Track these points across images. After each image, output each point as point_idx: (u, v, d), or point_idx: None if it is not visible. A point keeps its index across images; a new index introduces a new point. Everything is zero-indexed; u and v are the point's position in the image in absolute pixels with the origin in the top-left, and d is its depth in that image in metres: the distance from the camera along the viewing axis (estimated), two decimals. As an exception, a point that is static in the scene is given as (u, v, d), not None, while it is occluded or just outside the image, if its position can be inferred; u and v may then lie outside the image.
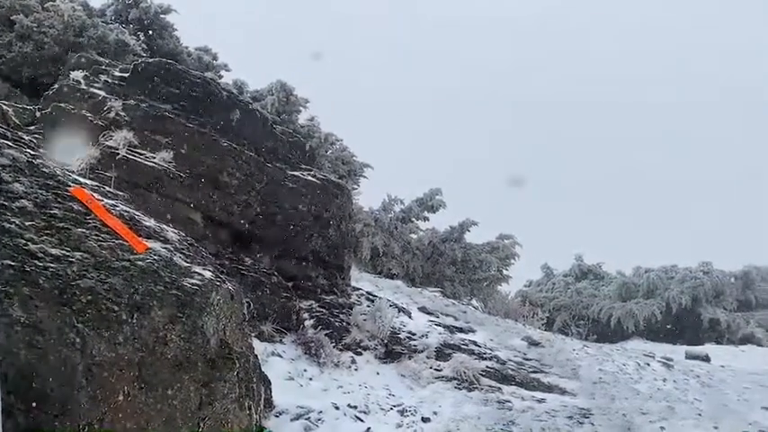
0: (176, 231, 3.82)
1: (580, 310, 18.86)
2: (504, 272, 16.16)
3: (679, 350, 12.16)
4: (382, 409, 5.49)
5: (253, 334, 5.14)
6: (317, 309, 7.12)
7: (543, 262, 23.82)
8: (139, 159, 5.92)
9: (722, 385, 7.82)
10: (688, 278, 17.72)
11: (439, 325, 8.12)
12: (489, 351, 7.51)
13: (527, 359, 7.61)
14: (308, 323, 6.70)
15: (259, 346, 5.43)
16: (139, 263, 2.96)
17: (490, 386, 6.49)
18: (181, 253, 3.42)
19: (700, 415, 6.35)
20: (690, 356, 10.52)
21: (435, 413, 5.62)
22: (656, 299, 17.72)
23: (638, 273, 19.57)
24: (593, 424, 5.88)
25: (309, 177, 7.68)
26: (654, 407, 6.56)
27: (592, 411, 6.20)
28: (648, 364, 8.36)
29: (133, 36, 12.49)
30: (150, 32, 13.70)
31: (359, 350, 6.73)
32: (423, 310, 8.88)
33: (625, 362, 8.28)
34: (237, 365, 3.38)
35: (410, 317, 8.18)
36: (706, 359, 10.46)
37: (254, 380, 3.81)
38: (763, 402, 6.95)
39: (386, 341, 6.96)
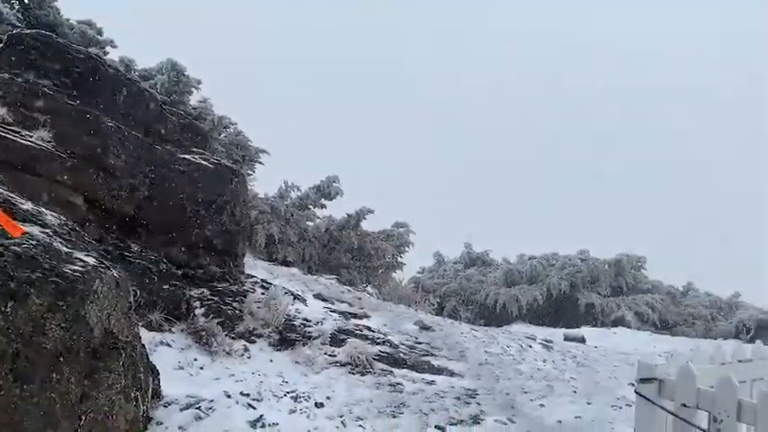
0: (56, 215, 3.60)
1: (469, 296, 19.63)
2: (399, 259, 16.52)
3: (558, 333, 13.01)
4: (276, 395, 5.47)
5: (140, 323, 4.95)
6: (209, 297, 6.95)
7: (436, 249, 24.63)
8: (14, 138, 5.48)
9: (595, 364, 8.47)
10: (567, 265, 18.94)
11: (334, 311, 8.19)
12: (383, 336, 7.67)
13: (418, 343, 7.85)
14: (198, 312, 6.52)
15: (147, 336, 5.24)
16: (15, 248, 2.78)
17: (383, 370, 6.64)
18: (61, 238, 3.24)
19: (575, 392, 6.86)
20: (568, 338, 11.28)
21: (329, 398, 5.68)
22: (538, 285, 18.80)
23: (522, 260, 20.66)
24: (479, 404, 6.18)
25: (202, 161, 7.46)
26: (535, 386, 6.99)
27: (478, 392, 6.51)
28: (530, 346, 8.88)
29: (6, 4, 11.49)
30: (27, 1, 12.66)
31: (252, 338, 6.65)
32: (318, 297, 8.91)
33: (509, 344, 8.74)
34: (123, 355, 3.26)
35: (305, 304, 8.18)
36: (582, 340, 11.26)
37: (142, 370, 3.70)
38: (629, 378, 7.60)
39: (280, 329, 6.92)
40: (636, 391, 4.22)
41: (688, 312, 18.55)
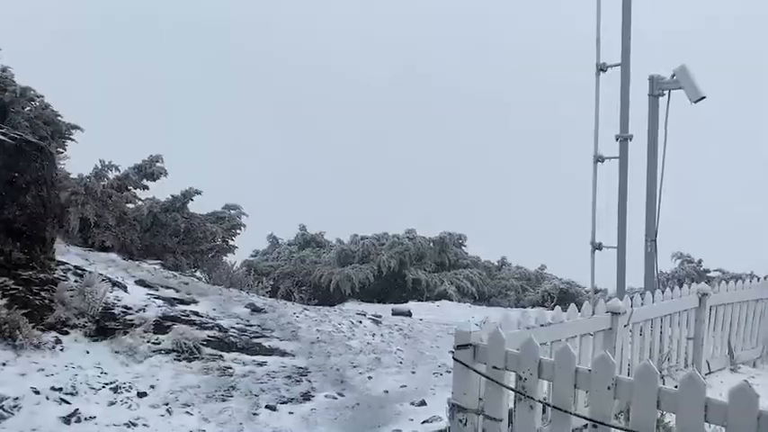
0: None
1: (303, 277, 19.72)
2: (230, 242, 16.07)
3: (387, 308, 13.56)
4: (93, 388, 5.11)
5: None
6: (13, 286, 6.25)
7: (270, 232, 24.38)
8: None
9: (420, 335, 8.98)
10: (396, 244, 19.76)
11: (158, 298, 7.79)
12: (211, 320, 7.47)
13: (249, 325, 7.75)
14: (0, 303, 5.86)
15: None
16: None
17: (212, 355, 6.48)
18: None
19: (401, 363, 7.24)
20: (395, 313, 11.82)
21: (153, 387, 5.43)
22: (369, 263, 19.41)
23: (354, 240, 21.18)
24: (310, 381, 6.29)
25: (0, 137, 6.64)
26: (364, 359, 7.26)
27: (309, 369, 6.62)
28: (361, 322, 9.17)
29: None
30: None
31: (65, 329, 6.13)
32: (141, 283, 8.41)
33: (341, 321, 8.96)
34: None
35: (126, 291, 7.69)
36: (408, 314, 11.86)
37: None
38: (450, 347, 8.19)
39: (97, 318, 6.45)
40: (454, 358, 4.57)
41: (502, 285, 20.34)
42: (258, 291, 13.18)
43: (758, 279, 9.71)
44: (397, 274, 19.40)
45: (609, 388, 3.60)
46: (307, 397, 5.85)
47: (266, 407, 5.47)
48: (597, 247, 10.06)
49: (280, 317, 8.52)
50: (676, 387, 3.35)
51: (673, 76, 8.32)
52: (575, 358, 3.82)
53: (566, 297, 17.87)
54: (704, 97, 7.99)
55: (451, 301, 17.64)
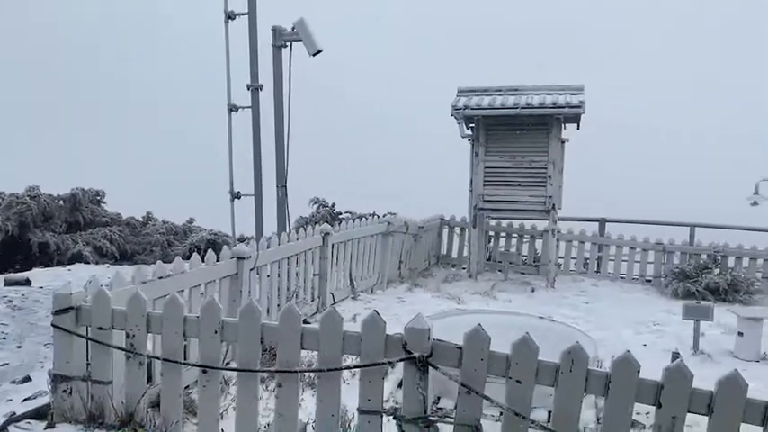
0: None
1: None
2: None
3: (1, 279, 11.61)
4: None
5: None
6: None
7: None
8: None
9: (36, 305, 7.86)
10: (15, 204, 17.00)
11: None
12: None
13: None
14: None
15: None
16: None
17: None
18: None
19: (4, 338, 6.18)
20: (9, 283, 10.18)
21: None
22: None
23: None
24: None
25: None
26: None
27: None
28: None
29: None
30: None
31: None
32: None
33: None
34: None
35: None
36: (27, 283, 10.33)
37: None
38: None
39: None
40: (53, 324, 4.02)
41: (147, 241, 19.30)
42: None
43: (376, 217, 11.09)
44: (20, 238, 16.78)
45: (216, 332, 3.58)
46: None
47: None
48: (236, 195, 10.17)
49: None
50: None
51: (293, 28, 8.68)
52: (182, 307, 3.69)
53: (214, 248, 17.87)
54: (321, 51, 8.54)
55: (88, 263, 16.04)
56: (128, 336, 3.82)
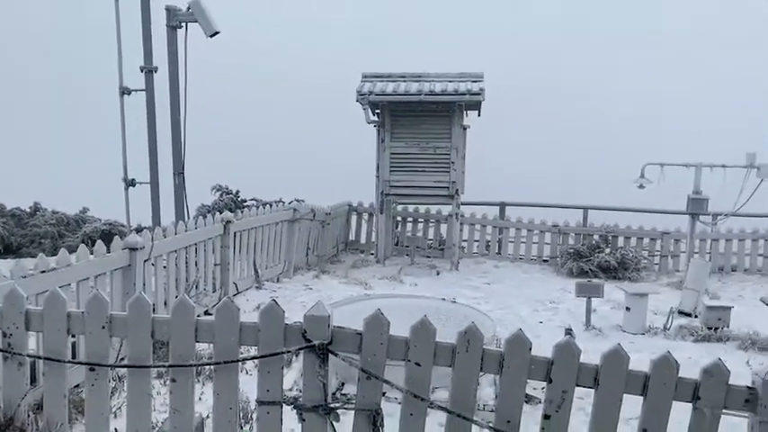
0: None
1: None
2: None
3: None
4: None
5: None
6: None
7: None
8: None
9: None
10: None
11: None
12: None
13: None
14: None
15: None
16: None
17: None
18: None
19: None
20: None
21: None
22: None
23: None
24: None
25: None
26: None
27: None
28: None
29: None
30: None
31: None
32: None
33: None
34: None
35: None
36: None
37: None
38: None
39: None
40: None
41: (35, 233, 18.03)
42: None
43: (282, 204, 10.88)
44: None
45: (104, 327, 3.37)
46: None
47: None
48: (130, 183, 9.68)
49: None
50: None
51: (188, 8, 8.31)
52: (65, 303, 3.44)
53: (109, 238, 16.97)
54: (218, 32, 8.23)
55: None
56: (4, 335, 3.53)
